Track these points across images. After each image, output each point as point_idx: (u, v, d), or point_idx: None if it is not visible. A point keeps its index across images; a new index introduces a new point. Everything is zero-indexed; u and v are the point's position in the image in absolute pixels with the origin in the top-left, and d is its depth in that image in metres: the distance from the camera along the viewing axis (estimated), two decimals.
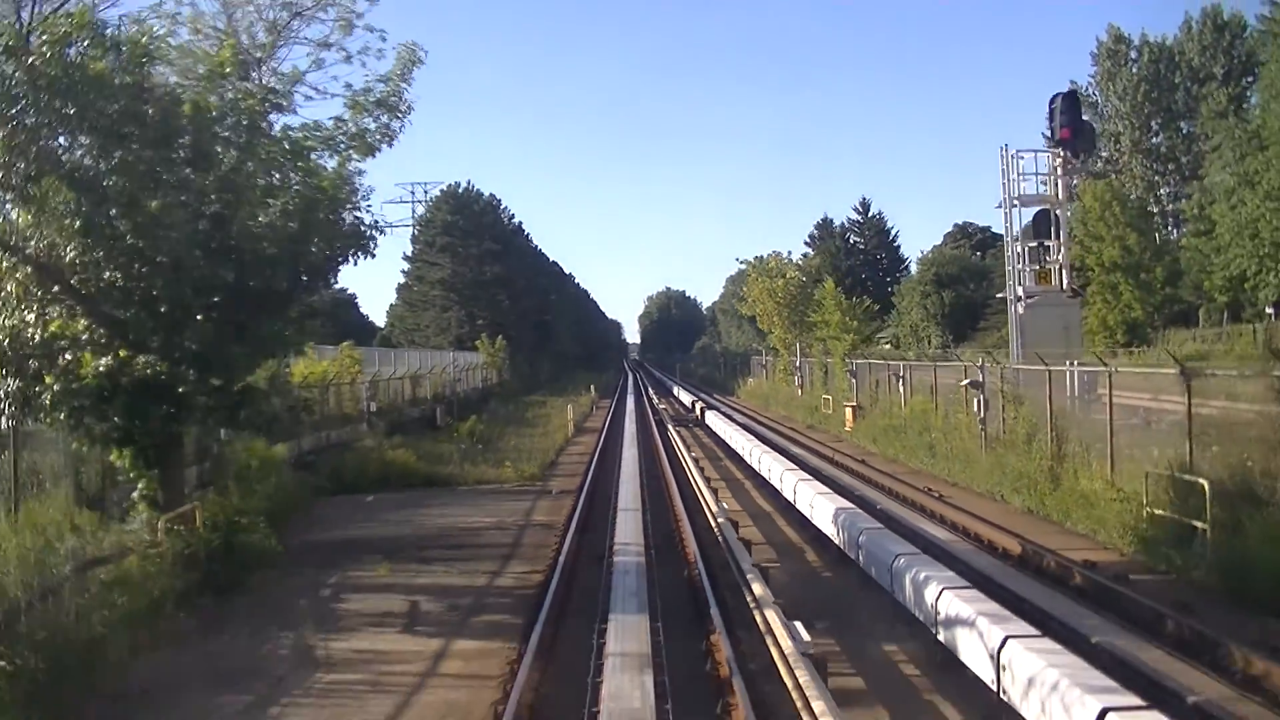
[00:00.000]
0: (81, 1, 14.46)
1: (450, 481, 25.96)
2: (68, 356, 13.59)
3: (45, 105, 12.80)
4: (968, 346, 54.03)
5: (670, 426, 40.68)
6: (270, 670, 11.07)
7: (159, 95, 13.26)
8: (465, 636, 12.15)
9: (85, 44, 13.02)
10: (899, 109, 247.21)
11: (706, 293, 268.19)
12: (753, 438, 30.51)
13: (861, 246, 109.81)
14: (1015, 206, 28.36)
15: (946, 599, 10.13)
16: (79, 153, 13.31)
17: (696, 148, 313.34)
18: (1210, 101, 65.15)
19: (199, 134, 13.47)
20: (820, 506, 16.70)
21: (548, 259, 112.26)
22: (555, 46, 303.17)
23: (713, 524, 17.63)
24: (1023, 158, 28.47)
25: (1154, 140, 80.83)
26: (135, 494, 14.89)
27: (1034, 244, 28.27)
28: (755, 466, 25.32)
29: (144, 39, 13.02)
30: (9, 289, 13.67)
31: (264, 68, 16.26)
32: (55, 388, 13.25)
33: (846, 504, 16.59)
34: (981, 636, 9.00)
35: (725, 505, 19.02)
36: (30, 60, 12.68)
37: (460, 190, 79.46)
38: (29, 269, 13.26)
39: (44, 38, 12.89)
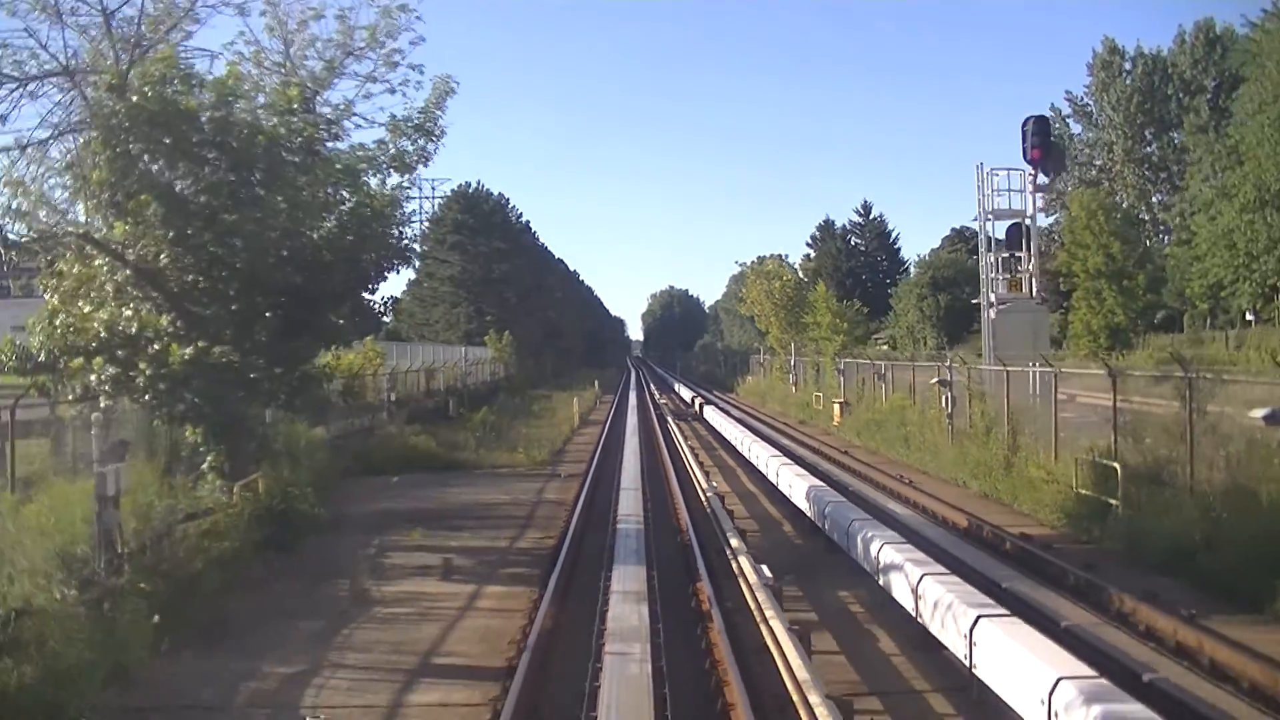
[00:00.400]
0: (168, 43, 16.76)
1: (467, 465, 28.44)
2: (155, 346, 16.03)
3: (144, 135, 15.30)
4: (961, 348, 56.39)
5: (670, 420, 43.15)
6: (335, 606, 13.51)
7: (239, 127, 15.73)
8: (493, 583, 14.63)
9: (176, 83, 15.53)
10: (902, 113, 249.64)
11: (709, 292, 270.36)
12: (746, 430, 32.95)
13: (862, 248, 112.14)
14: (989, 220, 30.74)
15: (886, 551, 12.57)
16: (171, 175, 15.80)
17: (701, 149, 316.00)
18: (1193, 116, 67.46)
19: (271, 159, 15.93)
20: (796, 485, 19.17)
21: (554, 257, 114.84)
22: (562, 46, 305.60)
23: (704, 501, 20.10)
24: (997, 175, 30.84)
25: (1147, 149, 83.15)
26: (205, 465, 17.31)
27: (1006, 255, 30.62)
28: (746, 455, 27.78)
29: (230, 80, 15.50)
30: (108, 289, 16.16)
31: (319, 98, 18.58)
32: (147, 372, 15.67)
33: (818, 482, 19.08)
34: (906, 576, 11.44)
35: (715, 485, 21.51)
36: (131, 97, 15.20)
37: (470, 190, 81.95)
38: (128, 272, 15.71)
39: (142, 78, 15.39)
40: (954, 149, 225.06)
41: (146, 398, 16.09)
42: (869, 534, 13.61)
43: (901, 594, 11.63)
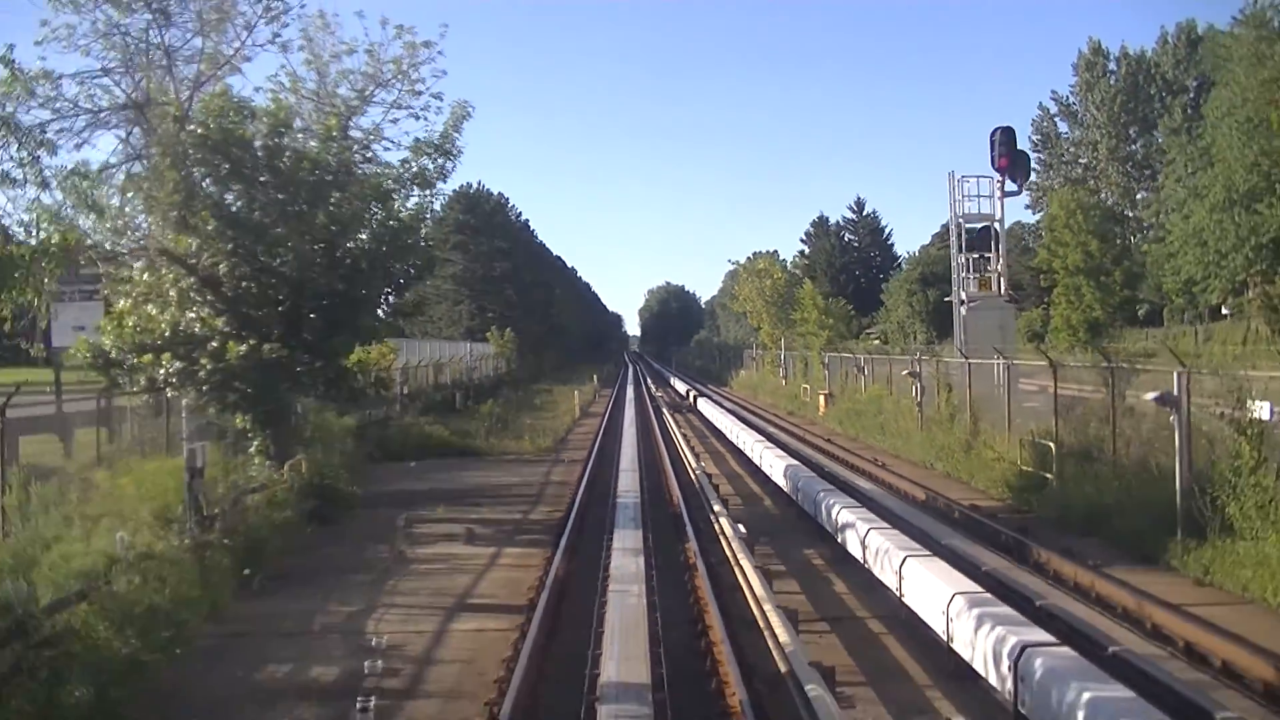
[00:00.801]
0: (219, 78, 19.12)
1: (478, 452, 30.84)
2: (213, 344, 18.39)
3: (206, 160, 17.70)
4: (949, 342, 58.79)
5: (666, 411, 45.57)
6: (377, 565, 15.88)
7: (286, 152, 18.11)
8: (511, 546, 17.04)
9: (231, 114, 17.91)
10: (894, 111, 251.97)
11: (705, 287, 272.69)
12: (736, 420, 35.37)
13: (856, 244, 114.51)
14: (960, 224, 33.20)
15: (843, 514, 14.98)
16: (228, 195, 18.18)
17: (698, 146, 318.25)
18: (1167, 118, 69.83)
19: (314, 181, 18.30)
20: (776, 465, 21.58)
21: (552, 254, 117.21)
22: (559, 46, 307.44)
23: (694, 479, 22.50)
24: (968, 181, 33.33)
25: (1131, 148, 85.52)
26: (253, 448, 19.71)
27: (975, 256, 33.09)
28: (734, 442, 30.20)
29: (280, 113, 17.88)
30: (171, 294, 18.51)
31: (350, 123, 20.90)
32: (208, 367, 18.04)
33: (795, 462, 21.52)
34: (856, 531, 13.85)
35: (705, 467, 23.91)
36: (194, 128, 17.59)
37: (471, 191, 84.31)
38: (191, 279, 18.08)
39: (203, 111, 17.77)
40: (946, 147, 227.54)
41: (205, 389, 18.49)
42: (831, 501, 16.03)
43: (853, 547, 14.04)
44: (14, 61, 11.44)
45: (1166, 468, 15.02)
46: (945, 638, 9.95)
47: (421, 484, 24.49)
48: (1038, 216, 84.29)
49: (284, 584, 14.34)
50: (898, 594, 11.74)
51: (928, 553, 12.07)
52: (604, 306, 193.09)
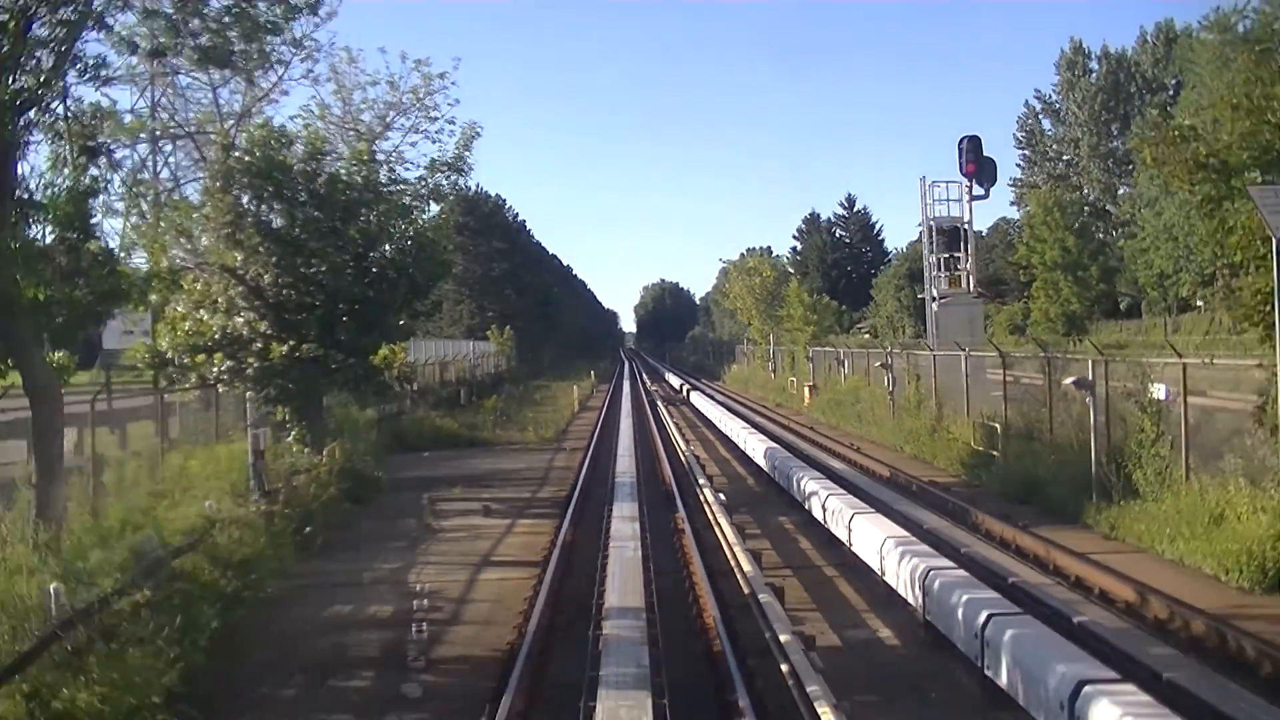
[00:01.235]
0: (261, 111, 21.65)
1: (486, 442, 33.35)
2: (258, 345, 20.83)
3: (252, 184, 20.16)
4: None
5: (660, 404, 48.08)
6: (409, 534, 18.37)
7: (322, 175, 20.58)
8: (524, 518, 19.54)
9: (272, 142, 20.38)
10: (885, 108, 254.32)
11: (700, 284, 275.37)
12: (726, 411, 37.90)
13: (847, 240, 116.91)
14: (931, 226, 35.71)
15: (810, 484, 17.50)
16: (271, 213, 20.64)
17: (693, 144, 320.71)
18: (1139, 119, 72.30)
19: (346, 200, 20.75)
20: (757, 448, 24.11)
21: (549, 253, 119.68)
22: (553, 42, 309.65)
23: (685, 464, 25.00)
24: (939, 186, 35.85)
25: (1111, 145, 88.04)
26: (290, 437, 22.19)
27: (946, 255, 35.60)
28: (723, 430, 32.72)
29: (317, 141, 20.36)
30: (220, 301, 20.96)
31: (374, 146, 23.38)
32: (254, 365, 20.50)
33: (774, 445, 24.06)
34: (819, 498, 16.36)
35: (695, 452, 26.43)
36: (241, 155, 20.07)
37: (471, 193, 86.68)
38: (240, 288, 20.53)
39: (249, 140, 20.25)
40: (935, 143, 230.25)
41: (252, 384, 20.96)
42: (801, 475, 18.57)
43: (816, 511, 16.56)
44: (115, 104, 13.79)
45: (1088, 443, 17.52)
46: (879, 572, 12.47)
47: (437, 471, 26.93)
48: (1024, 212, 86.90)
49: (332, 550, 16.84)
50: (848, 545, 14.25)
51: (872, 510, 14.60)
52: (600, 304, 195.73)
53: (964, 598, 9.60)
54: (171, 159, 21.84)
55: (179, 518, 13.95)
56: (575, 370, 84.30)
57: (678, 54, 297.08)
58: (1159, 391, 15.94)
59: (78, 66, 12.31)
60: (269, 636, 11.94)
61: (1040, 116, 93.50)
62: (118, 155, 14.40)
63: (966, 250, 35.75)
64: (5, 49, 10.80)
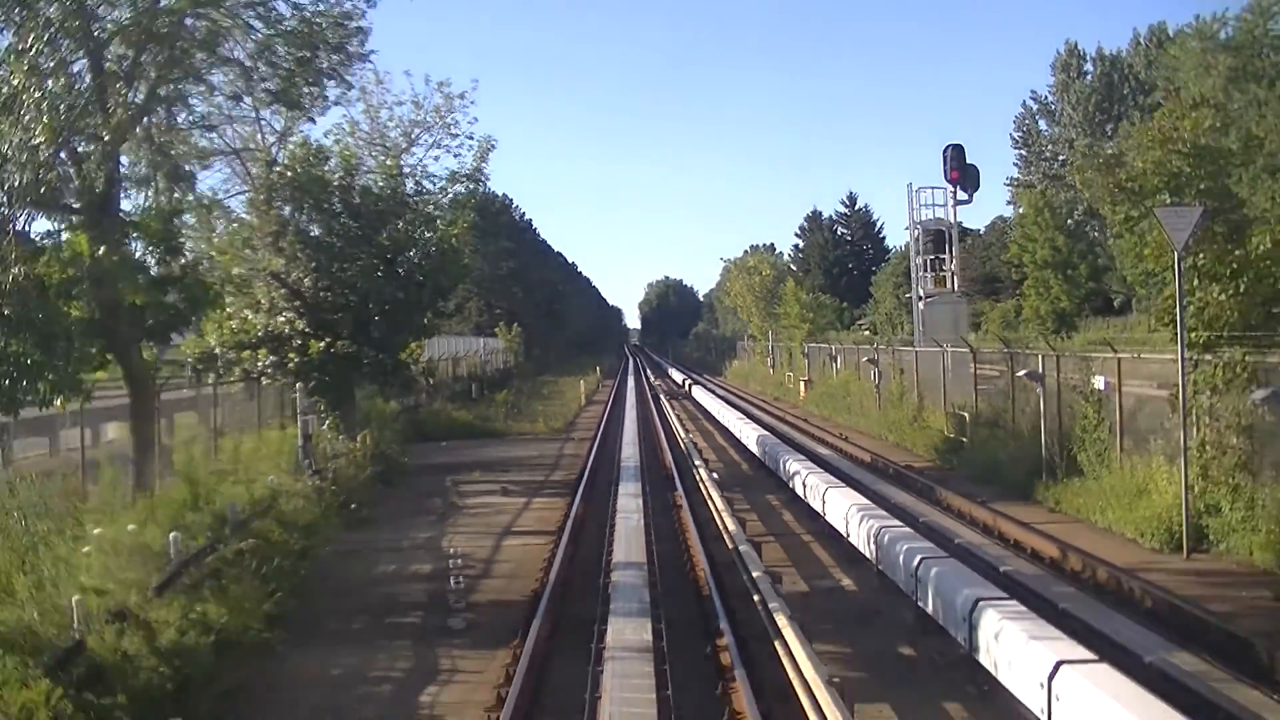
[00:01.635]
0: (299, 131, 23.85)
1: (499, 433, 35.60)
2: (297, 342, 23.08)
3: (293, 197, 22.41)
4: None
5: (663, 398, 50.32)
6: (437, 510, 20.57)
7: (358, 188, 22.83)
8: (539, 497, 21.79)
9: (311, 159, 22.63)
10: (886, 107, 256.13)
11: (703, 281, 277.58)
12: (725, 404, 40.15)
13: (848, 238, 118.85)
14: (918, 230, 37.93)
15: (792, 464, 19.73)
16: (309, 224, 22.90)
17: (697, 142, 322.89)
18: (1125, 121, 74.34)
19: (377, 211, 23.00)
20: (750, 436, 26.34)
21: (555, 251, 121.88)
22: (556, 41, 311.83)
23: (685, 451, 27.23)
24: (925, 191, 38.06)
25: (1105, 145, 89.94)
26: (325, 425, 24.46)
27: (932, 257, 37.81)
28: (721, 421, 34.95)
29: (350, 158, 22.62)
30: (263, 302, 23.21)
31: (400, 160, 25.62)
32: (295, 360, 22.75)
33: (765, 433, 26.30)
34: (800, 476, 18.58)
35: (694, 440, 28.68)
36: (283, 171, 22.31)
37: (479, 194, 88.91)
38: (283, 290, 22.78)
39: (290, 157, 22.49)
40: (938, 143, 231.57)
41: (292, 377, 23.22)
42: (787, 458, 20.80)
43: (798, 488, 18.79)
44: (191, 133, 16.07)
45: (1035, 428, 19.73)
46: (845, 535, 14.70)
47: (455, 458, 29.19)
48: (1016, 212, 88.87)
49: (371, 523, 19.10)
50: (823, 515, 16.48)
51: (843, 484, 16.83)
52: (605, 300, 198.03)
53: (905, 547, 11.82)
54: (220, 174, 24.04)
55: (242, 492, 16.19)
56: (581, 366, 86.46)
57: (684, 54, 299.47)
58: (1099, 382, 18.11)
59: (164, 103, 14.50)
60: (330, 588, 14.19)
61: (1036, 117, 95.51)
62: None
63: (951, 252, 37.96)
64: (120, 99, 13.00)
